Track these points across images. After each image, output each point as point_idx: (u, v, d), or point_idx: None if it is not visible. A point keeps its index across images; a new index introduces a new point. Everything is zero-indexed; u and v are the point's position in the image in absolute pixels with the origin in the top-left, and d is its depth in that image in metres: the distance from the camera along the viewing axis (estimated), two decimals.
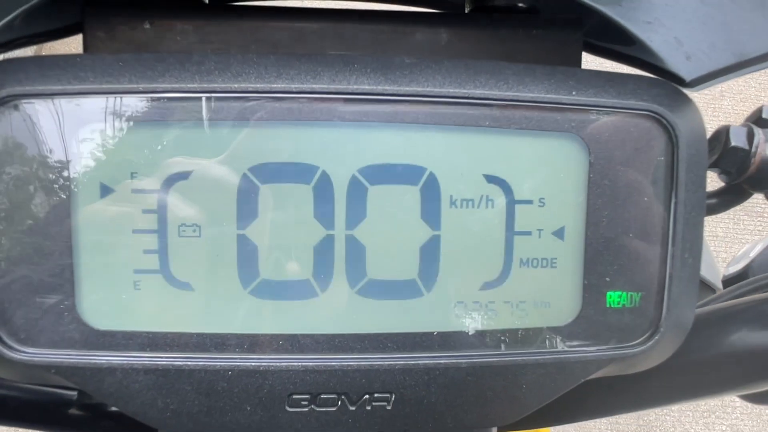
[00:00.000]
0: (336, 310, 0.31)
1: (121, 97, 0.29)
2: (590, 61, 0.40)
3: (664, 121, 0.31)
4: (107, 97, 0.29)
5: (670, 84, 0.33)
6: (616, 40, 0.42)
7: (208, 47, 0.35)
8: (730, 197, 0.39)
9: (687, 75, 0.39)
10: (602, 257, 0.32)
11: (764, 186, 0.37)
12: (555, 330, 0.32)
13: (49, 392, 0.39)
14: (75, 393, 0.39)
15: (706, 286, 0.55)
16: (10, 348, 0.30)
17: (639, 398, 0.40)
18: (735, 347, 0.38)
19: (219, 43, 0.35)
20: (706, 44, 0.36)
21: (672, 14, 0.37)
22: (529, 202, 0.31)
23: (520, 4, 0.38)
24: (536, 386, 0.32)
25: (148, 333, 0.30)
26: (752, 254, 0.51)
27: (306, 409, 0.31)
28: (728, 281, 0.51)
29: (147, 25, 0.34)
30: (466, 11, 0.39)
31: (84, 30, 0.34)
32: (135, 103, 0.29)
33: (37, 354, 0.30)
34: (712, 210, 0.40)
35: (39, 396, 0.38)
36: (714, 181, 0.38)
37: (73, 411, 0.39)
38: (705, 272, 0.57)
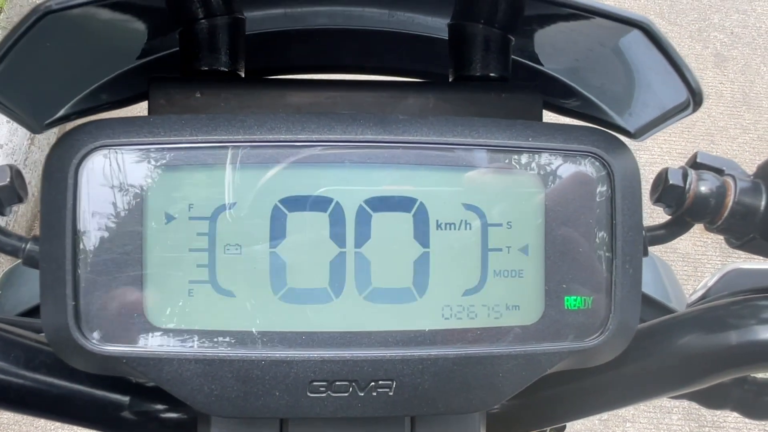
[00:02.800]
0: (347, 312, 0.39)
1: (183, 147, 0.38)
2: (552, 118, 0.50)
3: (602, 160, 0.40)
4: (172, 147, 0.38)
5: (606, 132, 0.41)
6: (573, 101, 0.51)
7: (246, 110, 0.44)
8: (675, 228, 0.47)
9: (631, 127, 0.48)
10: (560, 268, 0.40)
11: (700, 217, 0.45)
12: (523, 328, 0.40)
13: (104, 396, 0.46)
14: (127, 398, 0.47)
15: (670, 312, 0.62)
16: (91, 342, 0.38)
17: (602, 400, 0.47)
18: (678, 350, 0.45)
19: (254, 107, 0.44)
20: (640, 102, 0.45)
21: (612, 80, 0.46)
22: (499, 225, 0.39)
23: (493, 74, 0.47)
24: (510, 375, 0.39)
25: (198, 331, 0.38)
26: (710, 283, 0.59)
27: (324, 395, 0.39)
28: (690, 306, 0.58)
29: (198, 95, 0.44)
30: (449, 80, 0.49)
31: (149, 98, 0.44)
32: (193, 152, 0.38)
33: (112, 347, 0.38)
34: (662, 239, 0.47)
35: (96, 398, 0.46)
36: (662, 216, 0.46)
37: (125, 414, 0.47)
38: (674, 301, 0.64)
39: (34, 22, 0.33)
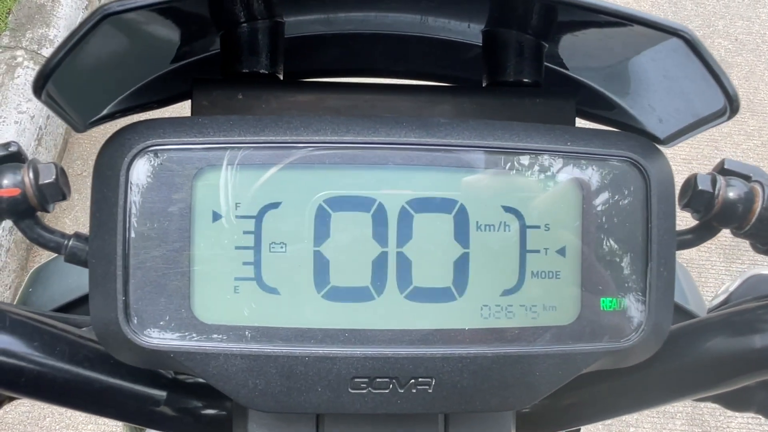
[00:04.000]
0: (389, 311, 0.40)
1: (230, 147, 0.39)
2: (583, 124, 0.50)
3: (639, 165, 0.41)
4: (221, 147, 0.39)
5: (642, 137, 0.42)
6: (603, 107, 0.52)
7: (287, 112, 0.45)
8: (702, 233, 0.48)
9: (661, 134, 0.49)
10: (596, 270, 0.41)
11: (728, 222, 0.46)
12: (560, 328, 0.41)
13: (143, 391, 0.47)
14: (165, 393, 0.48)
15: (693, 316, 0.63)
16: (140, 337, 0.38)
17: (630, 401, 0.48)
18: (707, 353, 0.46)
19: (294, 110, 0.45)
20: (672, 109, 0.46)
21: (644, 87, 0.47)
22: (537, 227, 0.40)
23: (526, 80, 0.48)
24: (546, 374, 0.40)
25: (244, 327, 0.39)
26: (731, 288, 0.60)
27: (365, 391, 0.40)
28: (711, 311, 0.59)
29: (240, 96, 0.45)
30: (483, 85, 0.50)
31: (192, 99, 0.45)
32: (240, 152, 0.39)
33: (160, 342, 0.38)
34: (690, 243, 0.48)
35: (135, 393, 0.46)
36: (689, 220, 0.47)
37: (162, 409, 0.47)
38: (693, 306, 0.65)
39: (96, 24, 0.34)
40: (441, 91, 0.48)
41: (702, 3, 3.05)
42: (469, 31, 0.52)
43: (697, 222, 0.47)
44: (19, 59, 2.28)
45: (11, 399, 0.48)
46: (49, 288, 0.64)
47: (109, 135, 0.40)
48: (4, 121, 2.13)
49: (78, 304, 0.61)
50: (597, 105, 0.52)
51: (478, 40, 0.51)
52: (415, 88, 0.49)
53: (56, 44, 2.39)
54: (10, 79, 2.23)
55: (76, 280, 0.62)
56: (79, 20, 2.46)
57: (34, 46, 2.33)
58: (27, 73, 2.26)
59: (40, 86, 0.36)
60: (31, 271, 0.67)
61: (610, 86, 0.50)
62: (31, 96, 2.21)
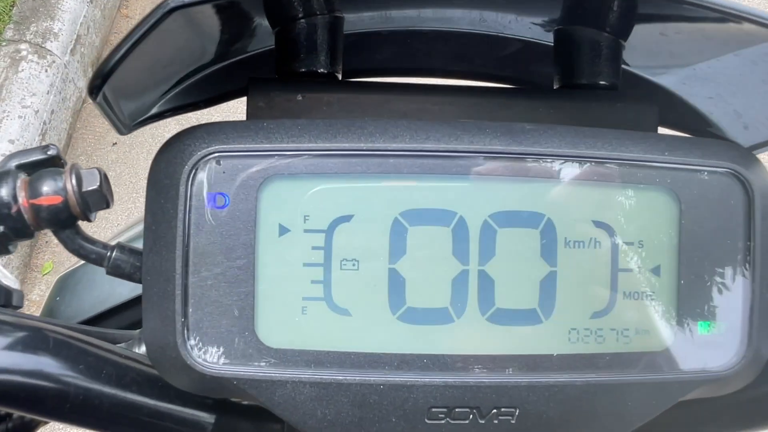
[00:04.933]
0: (469, 334, 0.36)
1: (299, 154, 0.35)
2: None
3: (741, 178, 0.37)
4: (289, 154, 0.35)
5: (743, 147, 0.39)
6: (680, 112, 0.49)
7: (350, 115, 0.42)
8: None
9: (744, 142, 0.45)
10: (693, 291, 0.37)
11: None
12: (654, 354, 0.37)
13: (192, 414, 0.43)
14: (213, 417, 0.44)
15: None
16: (199, 362, 0.35)
17: (722, 423, 0.45)
18: None
19: (358, 113, 0.42)
20: (764, 116, 0.43)
21: (733, 91, 0.44)
22: (631, 243, 0.37)
23: (603, 82, 0.45)
24: (639, 404, 0.37)
25: (313, 351, 0.36)
26: None
27: (442, 422, 0.36)
28: None
29: (300, 97, 0.41)
30: (554, 87, 0.46)
31: (248, 100, 0.41)
32: (310, 160, 0.35)
33: (222, 368, 0.35)
34: None
35: (184, 417, 0.43)
36: None
37: None
38: None
39: (161, 18, 0.30)
40: (510, 93, 0.45)
41: None
42: (537, 29, 0.49)
43: None
44: (23, 53, 2.24)
45: (45, 423, 0.44)
46: (78, 297, 0.60)
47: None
48: (8, 116, 2.09)
49: (110, 315, 0.57)
50: (672, 110, 0.49)
51: (547, 39, 0.48)
52: (483, 90, 0.45)
53: (61, 38, 2.35)
54: (14, 73, 2.19)
55: (107, 290, 0.58)
56: (84, 14, 2.42)
57: (38, 40, 2.29)
58: (31, 67, 2.22)
59: (97, 86, 0.32)
60: (57, 278, 0.64)
61: (689, 90, 0.47)
62: (36, 90, 2.17)
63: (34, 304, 1.90)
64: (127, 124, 0.41)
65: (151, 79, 0.40)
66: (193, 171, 0.35)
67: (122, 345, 0.47)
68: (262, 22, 0.43)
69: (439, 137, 0.36)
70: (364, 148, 0.36)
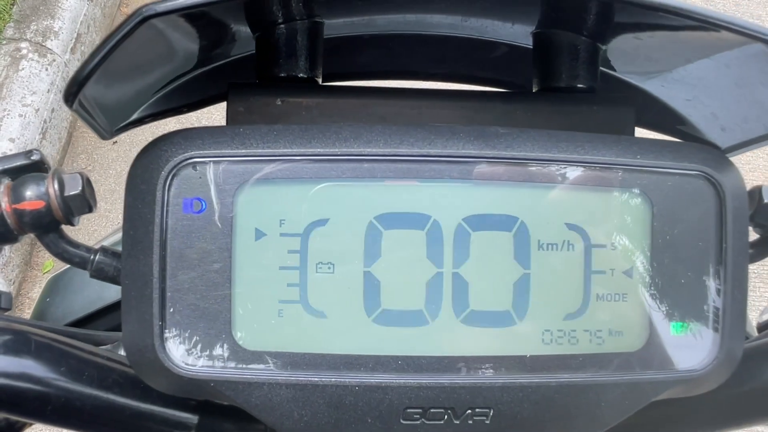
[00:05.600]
0: (443, 336, 0.37)
1: (275, 159, 0.36)
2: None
3: (713, 180, 0.38)
4: (265, 159, 0.36)
5: (715, 149, 0.39)
6: (658, 115, 0.49)
7: (329, 120, 0.42)
8: (764, 248, 0.45)
9: (722, 143, 0.46)
10: (666, 293, 0.38)
11: None
12: (627, 355, 0.38)
13: (174, 415, 0.44)
14: (196, 417, 0.45)
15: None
16: (177, 364, 0.36)
17: (697, 423, 0.45)
18: None
19: (336, 117, 0.42)
20: (740, 118, 0.43)
21: (709, 94, 0.44)
22: (603, 246, 0.37)
23: (581, 85, 0.45)
24: (612, 404, 0.38)
25: (289, 353, 0.36)
26: None
27: (417, 422, 0.37)
28: (762, 327, 0.57)
29: (279, 102, 0.42)
30: (533, 90, 0.47)
31: (228, 105, 0.42)
32: (286, 164, 0.36)
33: (199, 370, 0.36)
34: (750, 258, 0.46)
35: (166, 417, 0.43)
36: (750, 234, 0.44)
37: None
38: None
39: (135, 26, 0.31)
40: (489, 97, 0.45)
41: (711, 1, 3.01)
42: (517, 32, 0.49)
43: (759, 236, 0.44)
44: (24, 51, 2.25)
45: (31, 424, 0.45)
46: (68, 298, 0.61)
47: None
48: (8, 115, 2.09)
49: (99, 316, 0.58)
50: (651, 112, 0.49)
51: (527, 42, 0.48)
52: (462, 93, 0.46)
53: (61, 36, 2.35)
54: (15, 72, 2.20)
55: (96, 291, 0.59)
56: (84, 12, 2.43)
57: (38, 38, 2.29)
58: (31, 66, 2.22)
59: (73, 93, 0.33)
60: (48, 279, 0.64)
61: (665, 91, 0.47)
62: (36, 89, 2.17)
63: (35, 302, 1.91)
64: (108, 130, 0.42)
65: (130, 85, 0.41)
66: (170, 176, 0.35)
67: (108, 346, 0.48)
68: (243, 28, 0.44)
69: (412, 142, 0.37)
70: (339, 153, 0.36)
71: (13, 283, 1.97)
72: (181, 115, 0.48)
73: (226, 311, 0.36)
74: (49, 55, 2.27)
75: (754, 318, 0.63)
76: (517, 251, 0.37)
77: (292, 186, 0.36)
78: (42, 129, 2.17)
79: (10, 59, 2.22)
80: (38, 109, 2.16)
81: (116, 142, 2.30)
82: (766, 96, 0.39)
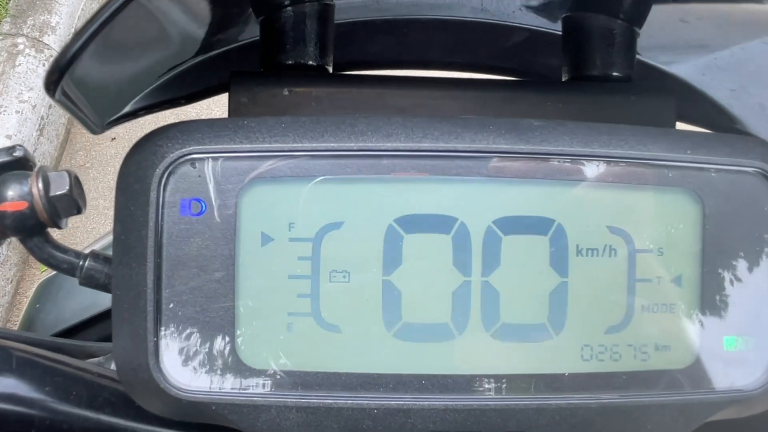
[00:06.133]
0: (472, 352, 0.33)
1: (283, 155, 0.32)
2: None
3: None
4: (272, 155, 0.32)
5: None
6: (698, 105, 0.45)
7: (341, 112, 0.38)
8: None
9: None
10: (718, 303, 0.34)
11: None
12: (675, 373, 0.34)
13: None
14: None
15: None
16: (174, 385, 0.32)
17: None
18: None
19: (349, 109, 0.38)
20: None
21: (758, 82, 0.40)
22: (649, 251, 0.34)
23: (615, 74, 0.41)
24: (659, 427, 0.34)
25: (299, 372, 0.32)
26: None
27: None
28: None
29: (286, 92, 0.38)
30: (563, 80, 0.43)
31: (230, 96, 0.38)
32: (296, 161, 0.32)
33: (199, 392, 0.32)
34: None
35: None
36: None
37: None
38: None
39: (122, 6, 0.27)
40: (516, 86, 0.42)
41: None
42: (544, 16, 0.45)
43: None
44: (21, 47, 2.21)
45: None
46: (58, 305, 0.57)
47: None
48: (5, 111, 2.06)
49: (90, 325, 0.54)
50: (691, 104, 0.45)
51: (555, 27, 0.44)
52: (487, 83, 0.42)
53: (58, 31, 2.32)
54: (11, 67, 2.16)
55: (89, 297, 0.55)
56: (81, 7, 2.39)
57: (35, 33, 2.26)
58: (28, 61, 2.19)
59: (54, 81, 0.29)
60: (38, 284, 0.61)
61: (710, 82, 0.43)
62: (33, 84, 2.14)
63: None
64: (98, 123, 0.38)
65: (121, 73, 0.37)
66: (166, 175, 0.31)
67: (100, 359, 0.44)
68: (247, 11, 0.40)
69: (437, 135, 0.33)
70: (355, 147, 0.32)
71: (11, 282, 1.94)
72: (179, 108, 0.44)
73: (229, 325, 0.32)
74: (46, 50, 2.24)
75: None
76: (553, 257, 0.33)
77: (302, 185, 0.32)
78: (39, 125, 2.14)
79: (7, 55, 2.18)
80: (35, 106, 2.12)
81: (115, 138, 2.26)
82: None
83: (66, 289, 0.58)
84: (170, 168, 0.31)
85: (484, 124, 0.33)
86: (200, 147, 0.32)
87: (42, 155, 2.16)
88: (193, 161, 0.32)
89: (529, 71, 0.49)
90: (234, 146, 0.32)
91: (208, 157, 0.32)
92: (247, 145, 0.32)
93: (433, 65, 0.50)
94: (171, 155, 0.31)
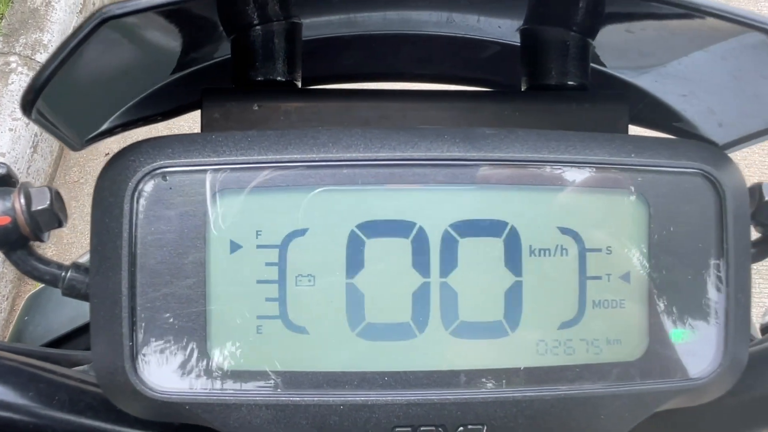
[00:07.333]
0: (432, 350, 0.35)
1: (250, 168, 0.34)
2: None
3: (712, 179, 0.36)
4: (238, 168, 0.34)
5: (714, 147, 0.37)
6: (653, 112, 0.47)
7: (309, 125, 0.40)
8: (767, 246, 0.43)
9: (719, 140, 0.44)
10: (665, 298, 0.36)
11: None
12: (627, 365, 0.36)
13: None
14: None
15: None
16: (149, 387, 0.34)
17: None
18: None
19: (316, 121, 0.40)
20: (738, 113, 0.41)
21: (705, 88, 0.42)
22: (599, 250, 0.35)
23: (571, 83, 0.43)
24: (612, 417, 0.36)
25: (269, 372, 0.34)
26: None
27: None
28: (766, 329, 0.55)
29: (256, 107, 0.40)
30: (522, 89, 0.45)
31: (202, 111, 0.40)
32: (261, 172, 0.34)
33: (173, 392, 0.34)
34: (753, 258, 0.44)
35: None
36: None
37: None
38: None
39: (93, 29, 0.29)
40: (477, 97, 0.43)
41: None
42: (504, 29, 0.47)
43: (760, 235, 0.43)
44: (13, 65, 2.23)
45: None
46: (47, 317, 0.59)
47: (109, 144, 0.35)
48: None
49: (79, 335, 0.56)
50: (645, 109, 0.47)
51: (515, 39, 0.46)
52: (449, 94, 0.44)
53: (50, 49, 2.34)
54: (4, 86, 2.18)
55: (76, 308, 0.57)
56: (73, 25, 2.41)
57: (27, 52, 2.28)
58: (21, 80, 2.20)
59: (29, 102, 0.31)
60: (27, 296, 0.62)
61: (662, 88, 0.45)
62: None
63: None
64: (77, 141, 0.40)
65: (96, 93, 0.39)
66: (138, 187, 0.33)
67: (84, 367, 0.46)
68: (218, 30, 0.42)
69: (395, 145, 0.35)
70: (317, 158, 0.34)
71: (6, 299, 1.95)
72: (156, 125, 0.46)
73: (201, 329, 0.34)
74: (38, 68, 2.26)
75: (756, 319, 0.61)
76: (507, 258, 0.35)
77: (268, 195, 0.34)
78: (33, 143, 2.15)
79: (0, 73, 2.21)
80: (28, 123, 2.14)
81: (108, 153, 2.29)
82: (766, 89, 0.37)
83: (54, 301, 0.59)
84: (142, 181, 0.33)
85: (440, 134, 0.35)
86: (170, 161, 0.33)
87: (36, 172, 2.18)
88: (164, 174, 0.34)
89: (494, 82, 0.52)
90: (202, 159, 0.34)
91: (178, 171, 0.34)
92: (215, 158, 0.34)
93: (403, 78, 0.52)
94: (143, 169, 0.33)
